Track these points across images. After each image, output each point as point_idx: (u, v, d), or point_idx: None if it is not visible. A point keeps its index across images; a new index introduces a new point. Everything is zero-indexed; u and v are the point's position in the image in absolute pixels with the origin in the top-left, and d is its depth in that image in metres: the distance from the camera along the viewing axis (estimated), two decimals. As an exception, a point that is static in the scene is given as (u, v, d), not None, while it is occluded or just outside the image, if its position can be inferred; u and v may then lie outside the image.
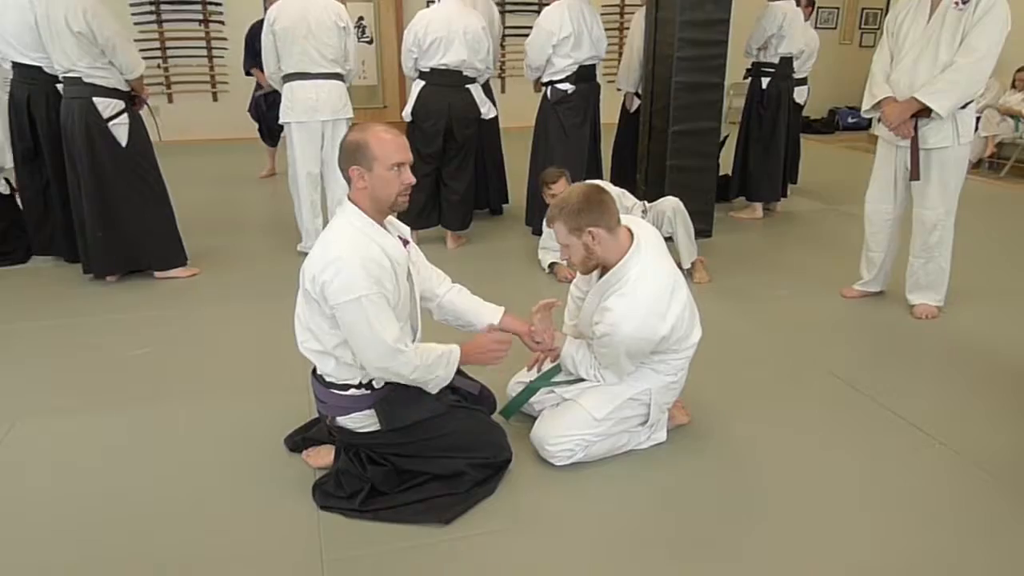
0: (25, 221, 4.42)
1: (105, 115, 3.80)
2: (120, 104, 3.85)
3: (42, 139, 4.14)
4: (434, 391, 2.20)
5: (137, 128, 3.94)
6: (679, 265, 3.95)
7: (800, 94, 5.68)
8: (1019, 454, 2.46)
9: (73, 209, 4.02)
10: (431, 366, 2.15)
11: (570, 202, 2.26)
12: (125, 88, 3.87)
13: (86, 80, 3.73)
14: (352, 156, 2.08)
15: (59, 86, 4.01)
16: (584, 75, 4.72)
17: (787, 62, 5.36)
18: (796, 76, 5.52)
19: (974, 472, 2.38)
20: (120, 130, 3.86)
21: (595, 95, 4.89)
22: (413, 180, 2.13)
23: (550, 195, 3.83)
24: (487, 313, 2.42)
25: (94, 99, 3.77)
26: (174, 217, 4.17)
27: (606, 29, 4.89)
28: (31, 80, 4.05)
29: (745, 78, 5.60)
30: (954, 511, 2.20)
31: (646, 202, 4.27)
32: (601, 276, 2.35)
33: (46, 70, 3.99)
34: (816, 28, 5.89)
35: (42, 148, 4.16)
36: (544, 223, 2.35)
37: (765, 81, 5.39)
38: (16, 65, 4.05)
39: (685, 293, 2.32)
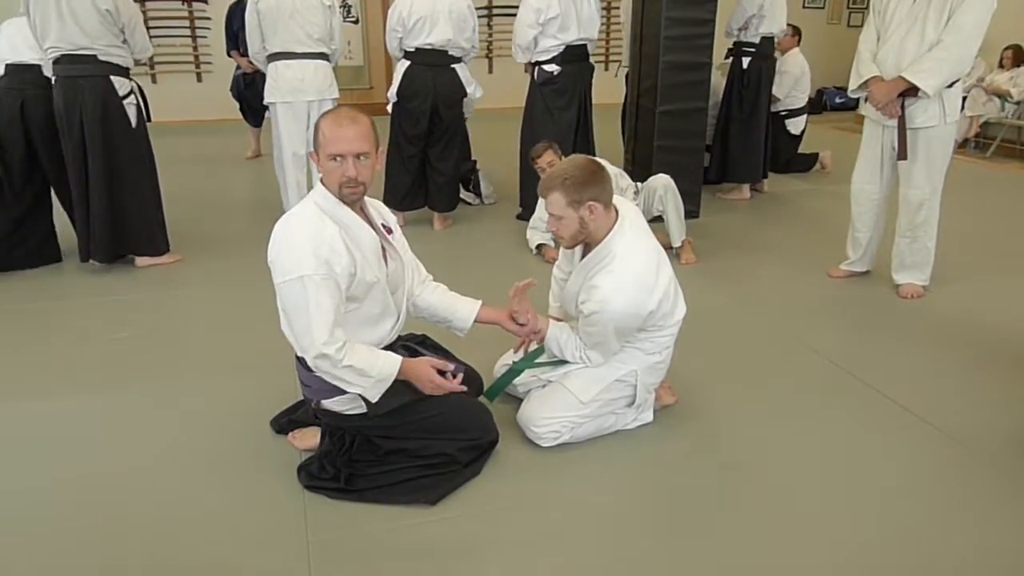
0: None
1: (120, 94, 3.75)
2: (130, 84, 3.82)
3: (39, 145, 3.87)
4: (363, 392, 2.06)
5: (142, 110, 3.90)
6: (668, 244, 3.97)
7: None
8: (999, 430, 2.48)
9: (75, 195, 3.80)
10: (364, 370, 2.04)
11: (572, 174, 2.19)
12: (133, 68, 3.85)
13: (102, 58, 3.66)
14: (312, 139, 2.10)
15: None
16: (572, 56, 4.60)
17: (768, 42, 5.33)
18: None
19: (954, 448, 2.40)
20: (131, 110, 3.82)
21: (585, 76, 4.75)
22: (355, 175, 1.99)
23: (539, 169, 3.82)
24: (463, 309, 2.38)
25: (112, 77, 3.71)
26: (162, 204, 4.11)
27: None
28: (25, 84, 3.81)
29: (727, 58, 5.54)
30: (934, 486, 2.22)
31: (639, 183, 4.25)
32: (584, 255, 2.34)
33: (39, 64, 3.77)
34: (804, 8, 5.88)
35: (39, 156, 3.90)
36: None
37: (746, 61, 5.35)
38: (9, 69, 3.82)
39: (669, 268, 2.32)
